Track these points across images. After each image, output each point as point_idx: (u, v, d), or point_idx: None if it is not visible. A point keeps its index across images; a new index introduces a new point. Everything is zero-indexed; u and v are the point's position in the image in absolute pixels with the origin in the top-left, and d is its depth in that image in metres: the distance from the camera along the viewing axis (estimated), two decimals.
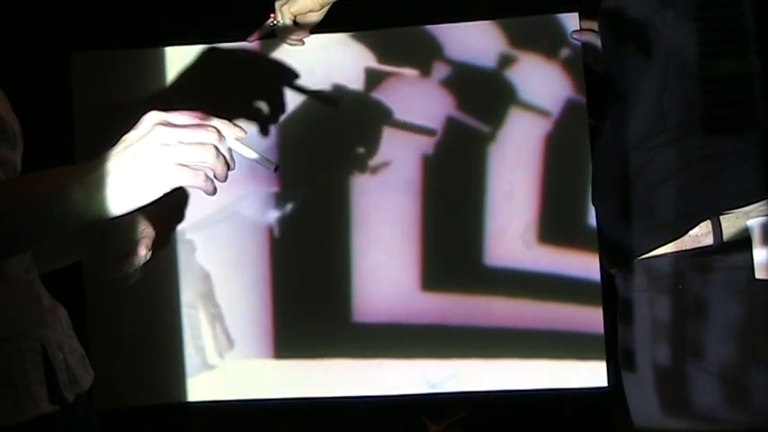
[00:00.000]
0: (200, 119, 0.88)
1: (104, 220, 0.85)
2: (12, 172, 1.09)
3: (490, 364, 1.94)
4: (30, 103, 2.13)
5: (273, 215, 2.00)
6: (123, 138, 0.86)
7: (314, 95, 1.95)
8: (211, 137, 0.86)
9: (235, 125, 0.92)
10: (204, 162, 0.85)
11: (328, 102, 1.96)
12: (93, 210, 0.84)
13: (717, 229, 1.20)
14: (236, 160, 0.91)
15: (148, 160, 0.83)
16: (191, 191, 1.65)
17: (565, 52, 1.91)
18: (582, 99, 1.89)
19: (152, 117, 0.86)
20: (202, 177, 0.85)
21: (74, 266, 1.28)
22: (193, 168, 0.84)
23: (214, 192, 0.88)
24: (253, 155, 0.93)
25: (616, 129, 1.36)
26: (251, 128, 1.87)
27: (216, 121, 0.89)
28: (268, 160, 0.95)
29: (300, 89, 1.94)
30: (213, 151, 0.85)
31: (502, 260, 1.94)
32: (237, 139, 0.92)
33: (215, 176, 0.88)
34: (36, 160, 2.07)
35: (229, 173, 0.89)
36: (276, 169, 0.95)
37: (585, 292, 1.89)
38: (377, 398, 1.97)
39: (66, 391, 1.08)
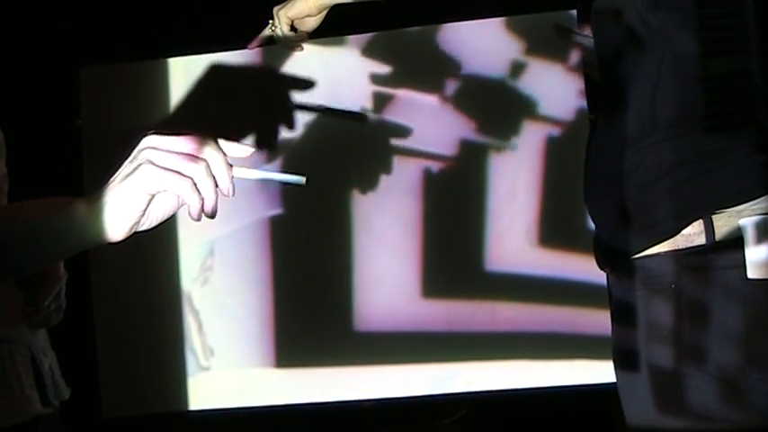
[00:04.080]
0: (196, 143, 0.79)
1: (107, 239, 0.81)
2: (3, 180, 1.12)
3: (493, 367, 1.93)
4: (39, 115, 2.19)
5: (275, 224, 2.01)
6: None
7: (315, 99, 1.96)
8: (195, 170, 0.78)
9: (238, 145, 0.84)
10: (180, 194, 0.79)
11: (330, 106, 1.97)
12: (95, 228, 0.81)
13: (709, 229, 1.20)
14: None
15: (132, 166, 0.80)
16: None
17: (564, 54, 1.91)
18: (583, 102, 1.88)
19: (143, 141, 0.81)
20: (189, 185, 0.78)
21: (82, 279, 1.30)
22: (181, 174, 0.78)
23: (199, 217, 0.80)
24: (271, 175, 0.86)
25: (609, 127, 1.36)
26: (252, 132, 1.89)
27: (214, 146, 0.81)
28: (289, 174, 0.85)
29: (302, 94, 1.96)
30: (189, 184, 0.78)
31: (504, 265, 1.94)
32: (244, 156, 0.84)
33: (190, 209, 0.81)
34: (46, 169, 2.12)
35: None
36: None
37: (591, 295, 1.88)
38: (375, 400, 1.96)
39: (52, 396, 1.11)
